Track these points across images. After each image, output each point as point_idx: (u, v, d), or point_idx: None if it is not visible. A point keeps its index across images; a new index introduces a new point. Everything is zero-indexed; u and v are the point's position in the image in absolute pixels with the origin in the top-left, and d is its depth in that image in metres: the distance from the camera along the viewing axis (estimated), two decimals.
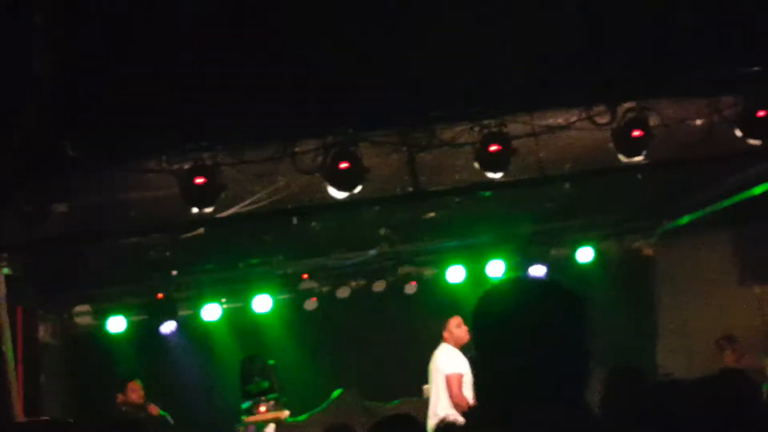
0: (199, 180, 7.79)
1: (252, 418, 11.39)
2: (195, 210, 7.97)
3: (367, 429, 5.00)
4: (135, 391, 10.84)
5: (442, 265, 12.42)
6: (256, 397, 11.42)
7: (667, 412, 4.03)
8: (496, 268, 12.25)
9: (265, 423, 11.37)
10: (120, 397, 10.76)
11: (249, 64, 7.36)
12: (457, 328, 9.82)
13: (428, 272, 12.54)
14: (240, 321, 12.55)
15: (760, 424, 4.10)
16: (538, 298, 2.10)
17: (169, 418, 10.85)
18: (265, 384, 11.40)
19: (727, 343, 11.88)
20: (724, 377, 4.60)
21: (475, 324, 2.13)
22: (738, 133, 8.35)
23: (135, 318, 12.12)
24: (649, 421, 3.98)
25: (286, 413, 11.47)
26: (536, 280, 2.16)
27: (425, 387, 11.43)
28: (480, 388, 2.17)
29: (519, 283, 2.17)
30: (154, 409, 10.80)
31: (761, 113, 8.23)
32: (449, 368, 9.71)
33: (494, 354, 2.08)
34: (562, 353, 2.05)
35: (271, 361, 11.88)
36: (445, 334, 9.94)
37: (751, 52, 7.87)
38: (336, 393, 11.67)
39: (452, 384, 9.62)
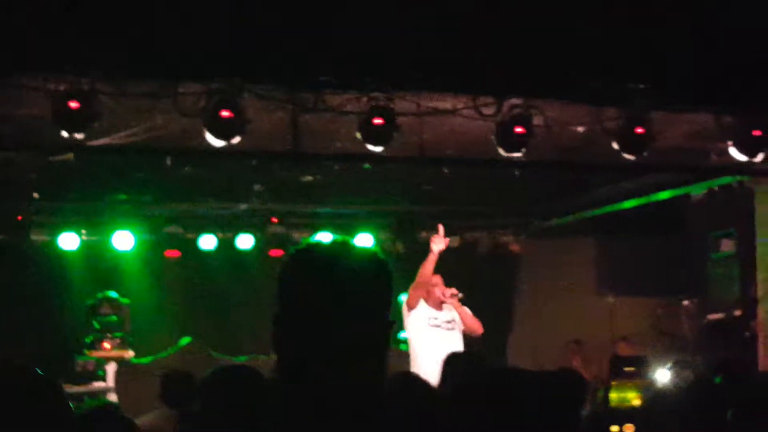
0: (74, 104, 7.54)
1: (94, 353, 11.19)
2: (65, 134, 7.74)
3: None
4: None
5: (312, 230, 12.41)
6: (102, 332, 11.23)
7: (492, 396, 4.12)
8: (364, 241, 12.30)
9: (107, 360, 11.20)
10: None
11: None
12: (434, 287, 9.58)
13: (297, 235, 12.51)
14: (98, 255, 12.30)
15: (572, 426, 4.23)
16: (347, 263, 2.09)
17: None
18: (113, 319, 11.21)
19: (576, 346, 12.25)
20: (557, 375, 4.74)
21: (280, 282, 2.10)
22: (615, 145, 8.53)
23: None
24: (473, 402, 4.05)
25: (131, 353, 11.32)
26: (350, 246, 2.14)
27: None
28: (280, 346, 2.13)
29: (332, 246, 2.15)
30: None
31: (640, 130, 8.42)
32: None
33: (296, 315, 2.06)
34: (363, 322, 2.04)
35: (125, 300, 11.70)
36: (423, 293, 9.65)
37: (639, 69, 8.04)
38: (184, 340, 11.57)
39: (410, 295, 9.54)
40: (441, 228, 9.44)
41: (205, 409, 5.04)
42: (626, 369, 8.77)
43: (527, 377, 4.81)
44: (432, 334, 9.50)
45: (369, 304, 2.04)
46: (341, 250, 2.09)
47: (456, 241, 13.11)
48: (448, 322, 9.66)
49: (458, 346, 9.60)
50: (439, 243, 9.38)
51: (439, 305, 9.66)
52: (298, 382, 2.01)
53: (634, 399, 8.34)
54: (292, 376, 2.03)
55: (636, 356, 10.21)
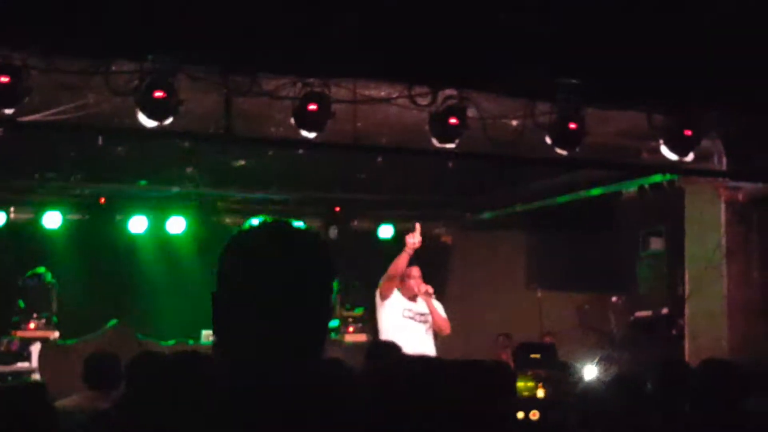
0: (4, 78, 7.41)
1: (19, 333, 11.04)
2: None
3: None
4: None
5: (245, 215, 12.33)
6: (28, 312, 11.08)
7: (414, 382, 4.15)
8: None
9: (32, 340, 11.05)
10: None
11: None
12: (409, 278, 9.58)
13: (228, 220, 12.43)
14: (26, 233, 12.10)
15: (497, 415, 4.26)
16: (287, 243, 2.08)
17: None
18: (39, 299, 11.07)
19: (506, 340, 12.35)
20: (483, 365, 4.76)
21: (220, 261, 2.09)
22: (548, 140, 8.60)
23: None
24: (393, 388, 4.07)
25: (56, 334, 11.18)
26: (290, 227, 2.13)
27: (204, 332, 11.36)
28: (218, 326, 2.11)
29: (272, 226, 2.14)
30: None
31: (572, 125, 8.51)
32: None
33: (235, 295, 2.05)
34: (302, 303, 2.04)
35: (51, 280, 11.54)
36: (399, 282, 9.62)
37: (573, 65, 8.11)
38: (111, 323, 11.45)
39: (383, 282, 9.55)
40: (418, 226, 9.47)
41: (129, 391, 5.01)
42: (532, 356, 8.82)
43: (450, 366, 4.85)
44: (405, 324, 9.51)
45: (309, 284, 2.04)
46: (282, 231, 2.09)
47: (389, 231, 13.18)
48: (422, 314, 9.68)
49: (429, 339, 9.63)
50: (413, 240, 9.40)
51: (413, 297, 9.68)
52: (235, 362, 2.01)
53: (538, 389, 8.41)
54: (230, 356, 2.02)
55: (541, 343, 10.27)
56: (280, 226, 2.11)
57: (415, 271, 9.74)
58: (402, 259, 9.39)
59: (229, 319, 2.03)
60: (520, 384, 8.28)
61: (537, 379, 8.42)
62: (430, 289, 9.74)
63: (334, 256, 2.10)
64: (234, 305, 2.03)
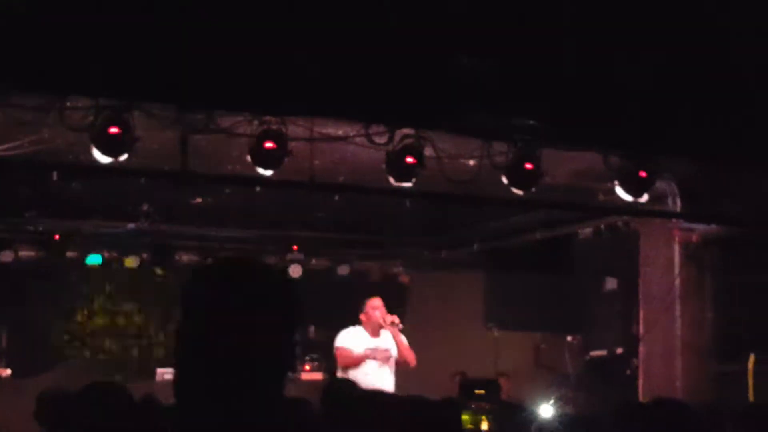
0: None
1: None
2: None
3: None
4: None
5: (202, 252, 12.28)
6: None
7: (370, 418, 4.18)
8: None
9: None
10: None
11: (32, 9, 7.02)
12: (373, 309, 9.63)
13: (185, 258, 12.36)
14: None
15: None
16: (252, 280, 2.07)
17: None
18: None
19: (461, 378, 12.33)
20: (431, 402, 4.79)
21: (182, 296, 2.08)
22: (504, 180, 8.64)
23: None
24: (350, 424, 4.09)
25: (8, 372, 11.04)
26: (256, 265, 2.13)
27: (159, 370, 11.26)
28: (179, 362, 2.09)
29: (238, 263, 2.14)
30: None
31: (528, 166, 8.56)
32: (337, 342, 9.70)
33: (197, 331, 2.04)
34: (266, 340, 2.03)
35: (5, 318, 11.42)
36: (362, 316, 9.74)
37: (529, 105, 8.18)
38: (66, 360, 11.33)
39: (337, 358, 9.63)
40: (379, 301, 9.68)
41: (74, 427, 4.94)
42: (477, 392, 8.84)
43: (403, 402, 4.87)
44: (365, 364, 9.47)
45: (273, 322, 2.02)
46: (247, 269, 2.07)
47: (346, 270, 13.17)
48: (384, 350, 9.63)
49: (390, 376, 9.60)
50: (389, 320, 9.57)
51: (376, 331, 9.59)
52: (195, 398, 1.99)
53: (482, 422, 8.42)
54: (188, 392, 2.00)
55: (486, 379, 10.30)
56: (241, 264, 2.11)
57: (377, 301, 9.72)
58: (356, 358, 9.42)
59: (191, 354, 2.01)
60: (464, 417, 8.29)
61: (480, 413, 8.44)
62: (396, 319, 9.71)
63: (298, 294, 2.10)
64: (197, 341, 2.01)
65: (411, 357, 9.76)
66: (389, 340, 9.71)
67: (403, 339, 9.75)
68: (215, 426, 1.97)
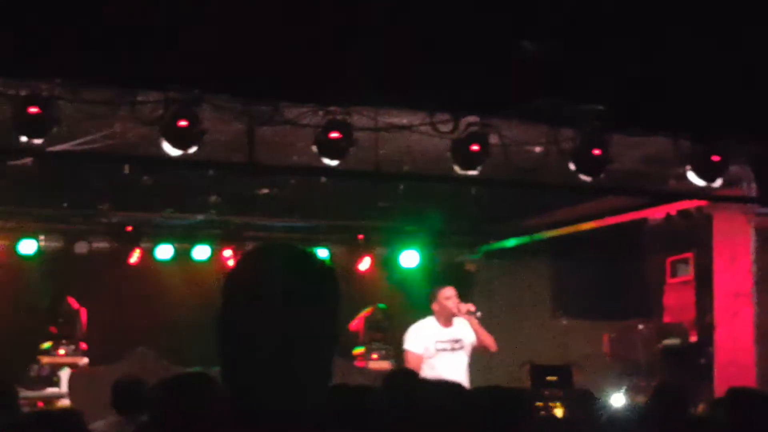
0: (33, 109, 7.53)
1: (49, 360, 11.14)
2: (24, 139, 7.70)
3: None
4: None
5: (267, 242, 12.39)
6: (58, 339, 11.19)
7: (433, 410, 4.17)
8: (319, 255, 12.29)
9: (62, 366, 11.14)
10: None
11: (103, 4, 7.14)
12: (446, 299, 9.43)
13: (252, 247, 12.46)
14: (57, 261, 12.23)
15: None
16: (295, 267, 2.08)
17: None
18: (69, 326, 11.17)
19: (531, 366, 12.25)
20: (502, 391, 4.76)
21: (226, 283, 2.10)
22: (572, 166, 8.57)
23: None
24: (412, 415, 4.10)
25: (85, 360, 11.26)
26: (297, 251, 2.13)
27: None
28: (222, 349, 2.11)
29: (278, 249, 2.14)
30: None
31: (596, 152, 8.47)
32: (405, 345, 9.53)
33: (239, 319, 2.05)
34: (308, 326, 2.04)
35: (81, 306, 11.65)
36: (434, 306, 9.52)
37: (597, 90, 8.09)
38: (138, 349, 11.48)
39: (405, 362, 9.46)
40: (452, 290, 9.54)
41: (153, 416, 5.03)
42: (548, 378, 8.76)
43: (470, 393, 4.85)
44: (437, 357, 9.38)
45: (312, 310, 2.03)
46: (287, 255, 2.08)
47: (412, 258, 13.13)
48: (456, 341, 9.49)
49: (463, 367, 9.44)
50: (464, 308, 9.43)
51: (449, 320, 9.50)
52: (239, 388, 2.00)
53: (556, 408, 8.37)
54: (233, 381, 2.01)
55: (558, 365, 10.18)
56: (282, 250, 2.11)
57: (450, 290, 9.48)
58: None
59: (232, 344, 2.02)
60: (537, 404, 8.24)
61: (554, 399, 8.37)
62: (472, 307, 9.48)
63: (357, 286, 2.10)
64: (236, 330, 2.02)
65: (491, 342, 9.57)
66: (462, 330, 9.52)
67: (481, 326, 9.57)
68: (264, 412, 1.98)
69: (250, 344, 2.00)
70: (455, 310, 9.41)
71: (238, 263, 2.11)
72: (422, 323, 9.61)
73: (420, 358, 9.34)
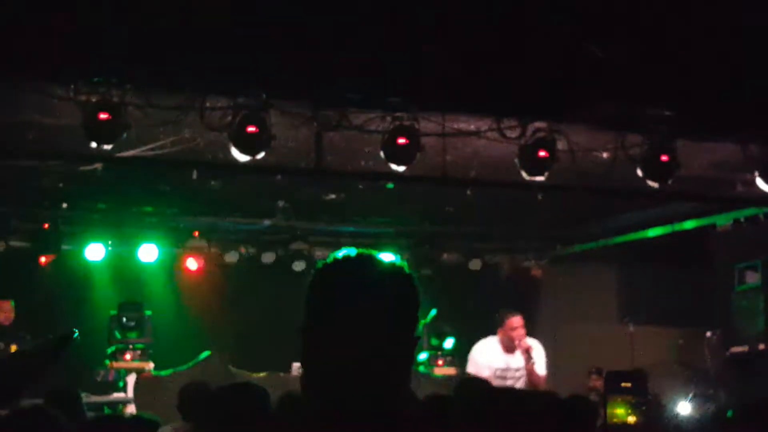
0: (103, 115, 7.63)
1: (115, 364, 11.27)
2: (94, 145, 7.83)
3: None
4: (4, 312, 10.77)
5: (335, 247, 12.43)
6: (124, 343, 11.31)
7: (503, 416, 4.16)
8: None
9: (128, 371, 11.27)
10: None
11: (174, 12, 7.24)
12: (512, 330, 9.65)
13: (320, 253, 12.53)
14: (123, 266, 12.39)
15: None
16: (374, 275, 2.10)
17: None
18: (135, 331, 11.29)
19: (598, 375, 12.15)
20: (567, 401, 4.75)
21: (308, 292, 2.12)
22: (639, 172, 8.50)
23: (16, 244, 11.90)
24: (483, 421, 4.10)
25: (151, 365, 11.37)
26: (377, 259, 2.15)
27: (295, 365, 11.43)
28: (306, 357, 2.13)
29: (359, 258, 2.16)
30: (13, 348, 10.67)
31: (664, 157, 8.40)
32: (471, 367, 9.80)
33: (323, 326, 2.07)
34: (389, 334, 2.06)
35: (147, 312, 11.76)
36: (499, 331, 9.78)
37: (664, 96, 8.03)
38: (204, 354, 11.59)
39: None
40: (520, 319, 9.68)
41: (217, 422, 5.08)
42: (623, 384, 8.66)
43: (537, 401, 4.84)
44: (496, 383, 9.45)
45: (395, 316, 2.05)
46: (369, 263, 2.10)
47: (477, 264, 13.13)
48: (516, 369, 9.70)
49: None
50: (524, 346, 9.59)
51: (512, 348, 9.66)
52: (322, 393, 2.03)
53: (629, 416, 8.26)
54: (317, 387, 2.04)
55: (633, 371, 10.08)
56: (365, 258, 2.12)
57: (518, 320, 9.67)
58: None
59: (317, 350, 2.05)
60: (610, 411, 8.17)
61: (628, 406, 8.28)
62: (531, 348, 9.67)
63: (420, 287, 2.12)
64: (321, 337, 2.04)
65: (541, 382, 9.71)
66: (522, 359, 9.69)
67: (538, 366, 9.68)
68: (345, 418, 2.00)
69: (339, 350, 2.02)
70: (516, 343, 9.52)
71: (323, 270, 2.12)
72: (486, 345, 9.83)
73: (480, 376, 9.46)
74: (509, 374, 9.60)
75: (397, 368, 2.06)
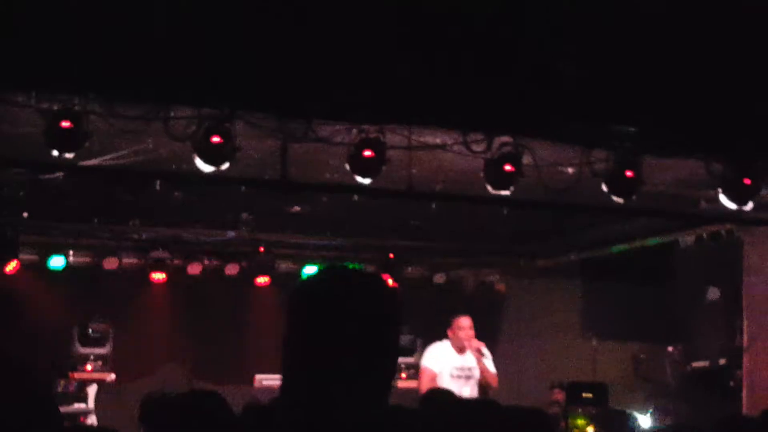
0: (65, 124, 7.54)
1: (76, 375, 11.17)
2: (56, 153, 7.73)
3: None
4: None
5: (299, 260, 12.41)
6: (85, 355, 11.22)
7: (468, 426, 4.17)
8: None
9: (89, 382, 11.17)
10: None
11: (138, 21, 7.16)
12: (460, 330, 9.69)
13: (284, 266, 12.50)
14: (85, 277, 12.27)
15: None
16: (356, 289, 2.09)
17: None
18: (96, 342, 11.21)
19: (560, 388, 12.19)
20: (528, 411, 4.74)
21: (290, 304, 2.11)
22: (604, 188, 8.54)
23: None
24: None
25: (112, 376, 11.28)
26: (359, 272, 2.15)
27: (257, 377, 11.38)
28: (286, 368, 2.13)
29: (341, 271, 2.16)
30: None
31: (629, 173, 8.44)
32: (423, 361, 9.81)
33: (304, 338, 2.06)
34: (372, 346, 2.05)
35: (109, 322, 11.68)
36: (449, 332, 9.82)
37: (629, 112, 8.07)
38: (166, 365, 11.52)
39: (420, 377, 9.75)
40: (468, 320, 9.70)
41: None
42: (584, 395, 8.71)
43: (500, 411, 4.83)
44: (451, 383, 9.47)
45: (377, 329, 2.06)
46: (351, 276, 2.11)
47: (441, 278, 13.16)
48: (469, 368, 9.75)
49: (474, 393, 9.63)
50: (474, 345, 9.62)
51: (461, 349, 9.69)
52: (303, 405, 2.02)
53: (589, 426, 8.29)
54: (297, 398, 2.04)
55: (594, 383, 10.15)
56: (347, 271, 2.14)
57: (466, 321, 9.73)
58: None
59: (297, 362, 2.05)
60: (571, 421, 8.20)
61: (588, 417, 8.32)
62: (481, 347, 9.71)
63: (400, 300, 2.12)
64: (302, 348, 2.04)
65: (494, 381, 9.77)
66: (473, 360, 9.73)
67: (488, 364, 9.73)
68: (322, 430, 1.98)
69: (320, 362, 2.02)
70: (465, 343, 9.55)
71: (305, 283, 2.13)
72: (440, 345, 9.90)
73: (436, 376, 9.59)
74: (467, 373, 9.65)
75: (379, 380, 2.07)
